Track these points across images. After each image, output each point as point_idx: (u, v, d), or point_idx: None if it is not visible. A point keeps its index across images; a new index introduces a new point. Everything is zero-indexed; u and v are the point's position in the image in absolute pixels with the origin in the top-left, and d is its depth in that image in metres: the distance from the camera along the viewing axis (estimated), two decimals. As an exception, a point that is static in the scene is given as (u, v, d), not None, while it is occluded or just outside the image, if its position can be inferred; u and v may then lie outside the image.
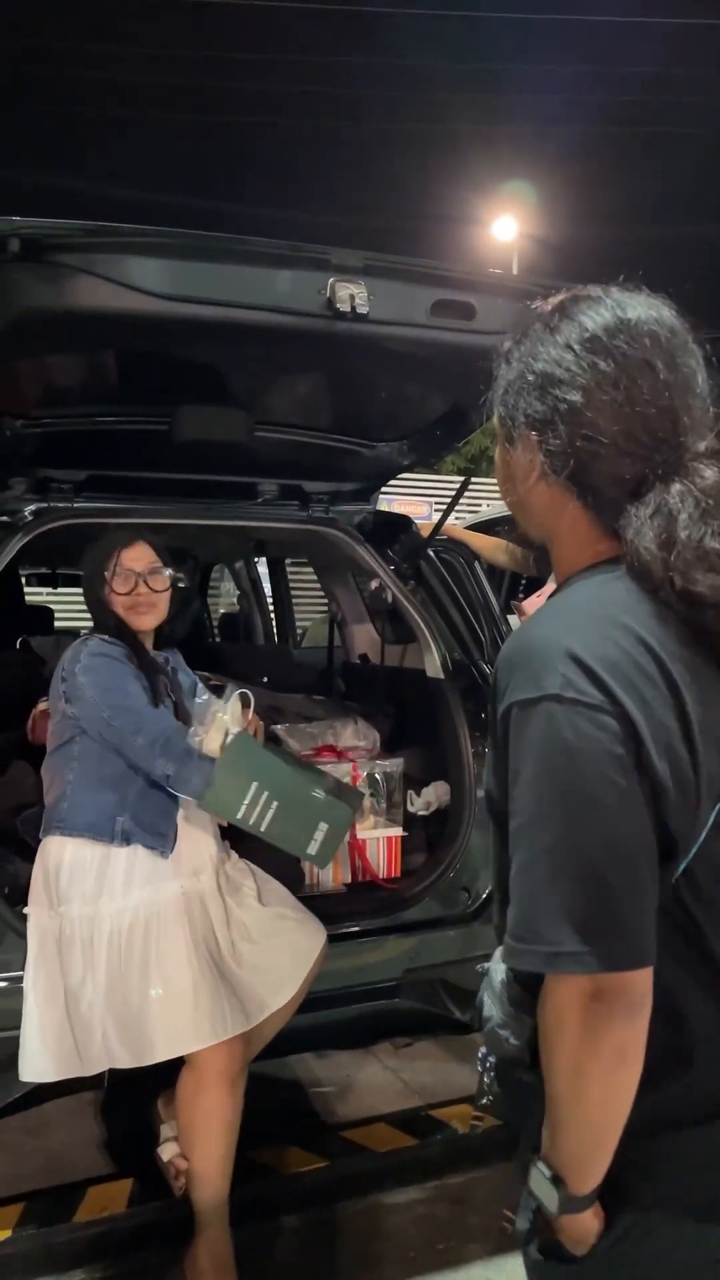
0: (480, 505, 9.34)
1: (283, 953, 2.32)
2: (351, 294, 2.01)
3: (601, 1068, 1.02)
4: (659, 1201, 1.11)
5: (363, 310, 2.03)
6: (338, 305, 2.02)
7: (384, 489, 3.64)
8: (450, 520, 3.38)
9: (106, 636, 2.38)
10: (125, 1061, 2.15)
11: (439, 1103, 3.10)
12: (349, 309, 2.02)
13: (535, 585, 4.55)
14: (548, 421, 1.10)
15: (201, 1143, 2.27)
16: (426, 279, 2.10)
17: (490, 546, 4.01)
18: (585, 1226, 1.10)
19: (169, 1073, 2.26)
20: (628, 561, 1.07)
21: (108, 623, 2.42)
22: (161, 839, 2.25)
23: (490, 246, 20.26)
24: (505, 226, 20.35)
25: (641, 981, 1.01)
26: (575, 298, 1.15)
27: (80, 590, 2.53)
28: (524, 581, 5.67)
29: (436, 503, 11.23)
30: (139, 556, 2.42)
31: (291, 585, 5.66)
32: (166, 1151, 2.41)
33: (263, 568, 5.59)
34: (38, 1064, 2.15)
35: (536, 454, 1.12)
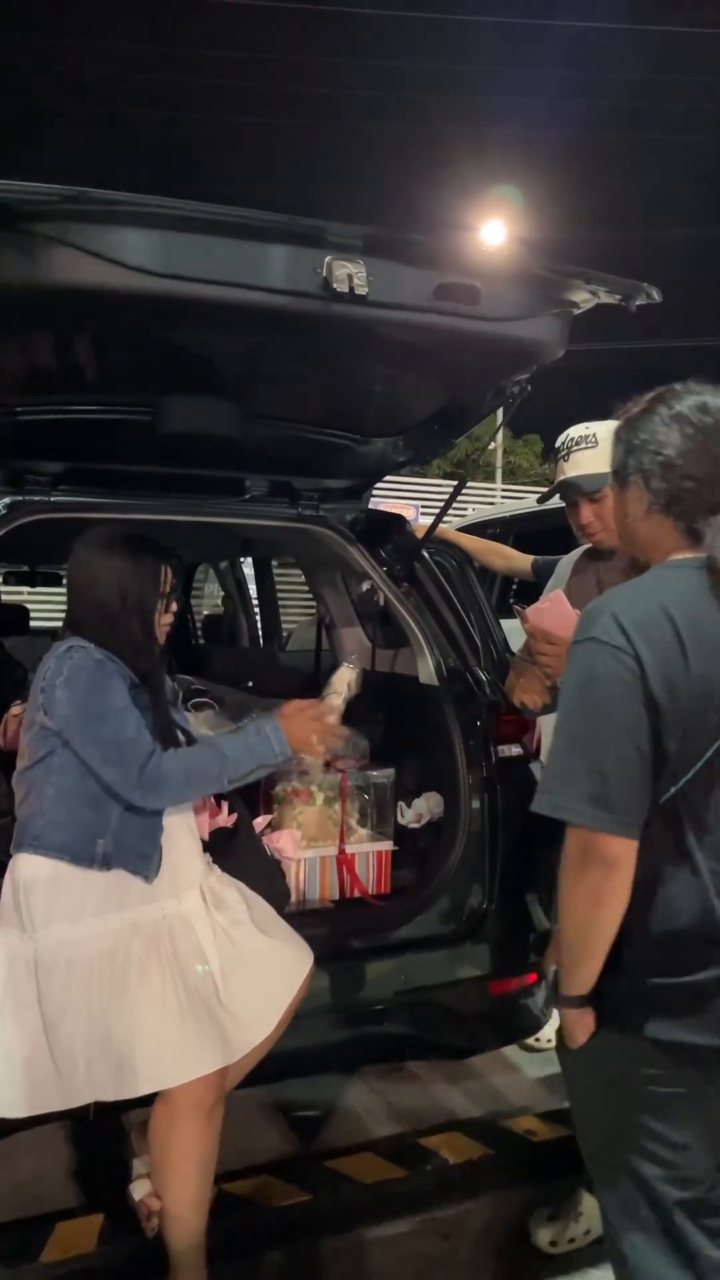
0: (467, 510, 9.24)
1: (268, 980, 2.18)
2: (350, 273, 1.87)
3: (580, 903, 1.53)
4: (630, 1025, 1.58)
5: (361, 291, 1.89)
6: (335, 285, 1.87)
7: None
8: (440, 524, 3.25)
9: (97, 648, 2.14)
10: (109, 1094, 2.01)
11: (427, 1129, 2.97)
12: (347, 289, 1.88)
13: (526, 589, 4.43)
14: (653, 473, 1.58)
15: (175, 1180, 2.13)
16: (431, 259, 1.96)
17: (483, 549, 3.88)
18: (574, 1023, 1.63)
19: (150, 1099, 2.12)
20: (705, 559, 1.53)
21: (142, 646, 2.19)
22: (144, 861, 2.09)
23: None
24: (495, 230, 20.27)
25: (616, 846, 1.48)
26: (664, 392, 1.61)
27: (60, 589, 2.35)
28: (515, 586, 5.56)
29: (424, 505, 11.12)
30: (168, 570, 2.26)
31: (276, 587, 5.51)
32: (138, 1190, 2.26)
33: (248, 568, 5.44)
34: (5, 1097, 2.00)
35: (645, 494, 1.60)
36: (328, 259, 1.87)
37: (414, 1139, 2.91)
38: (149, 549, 2.23)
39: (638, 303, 2.12)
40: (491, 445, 20.82)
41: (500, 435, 20.28)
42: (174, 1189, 2.13)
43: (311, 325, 1.99)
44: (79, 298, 1.84)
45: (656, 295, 2.11)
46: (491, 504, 11.50)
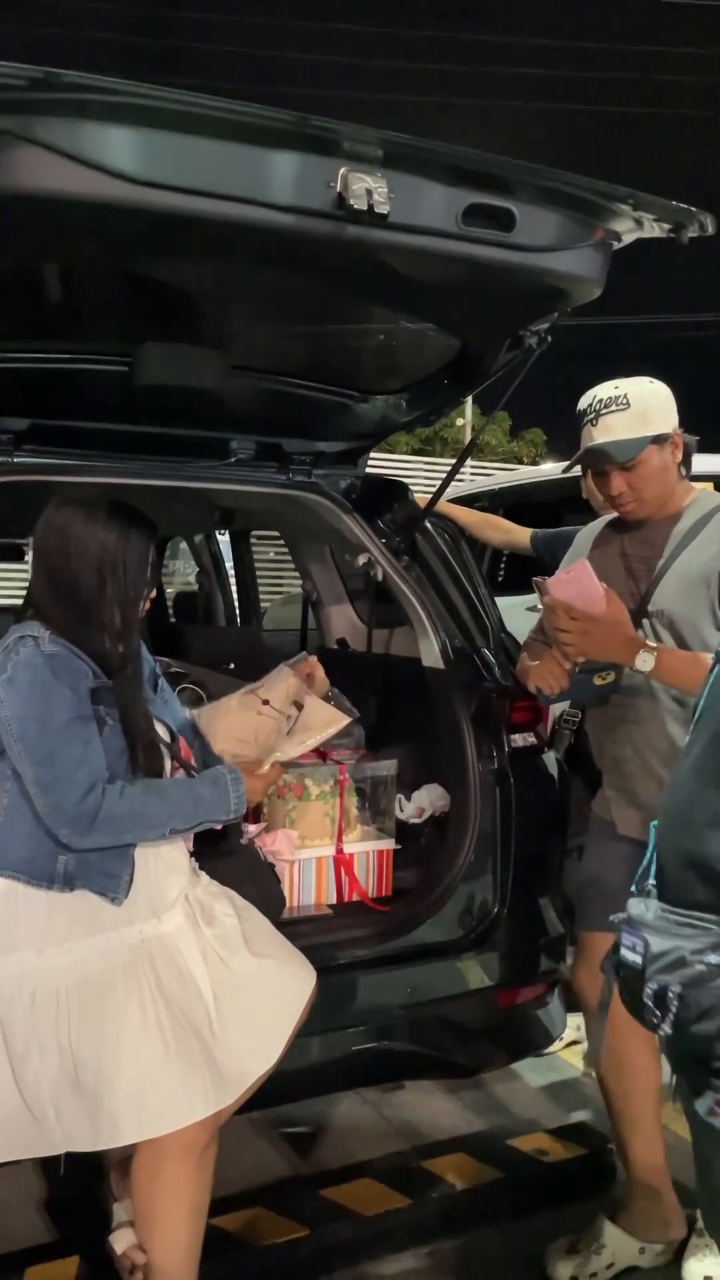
0: (431, 486, 8.95)
1: (267, 1006, 1.91)
2: (369, 188, 1.59)
3: None
4: None
5: (382, 210, 1.60)
6: (351, 202, 1.59)
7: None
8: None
9: (53, 639, 1.81)
10: (83, 1144, 1.75)
11: (430, 1148, 2.74)
12: (365, 207, 1.59)
13: (517, 563, 4.19)
14: None
15: (163, 1231, 1.87)
16: (461, 175, 1.68)
17: (478, 522, 3.64)
18: None
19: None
20: None
21: (119, 638, 1.87)
22: (113, 881, 1.80)
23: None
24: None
25: None
26: None
27: (20, 565, 2.02)
28: (504, 559, 5.32)
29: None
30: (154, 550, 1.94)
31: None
32: (120, 1241, 2.01)
33: (222, 540, 5.13)
34: None
35: None
36: (343, 170, 1.58)
37: (417, 1162, 2.68)
38: (140, 523, 1.90)
39: (691, 234, 1.86)
40: (460, 421, 20.61)
41: (470, 411, 20.08)
42: (162, 1240, 1.88)
43: (320, 251, 1.71)
44: (42, 210, 1.53)
45: (712, 225, 1.85)
46: (460, 480, 11.26)
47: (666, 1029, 1.33)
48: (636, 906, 1.43)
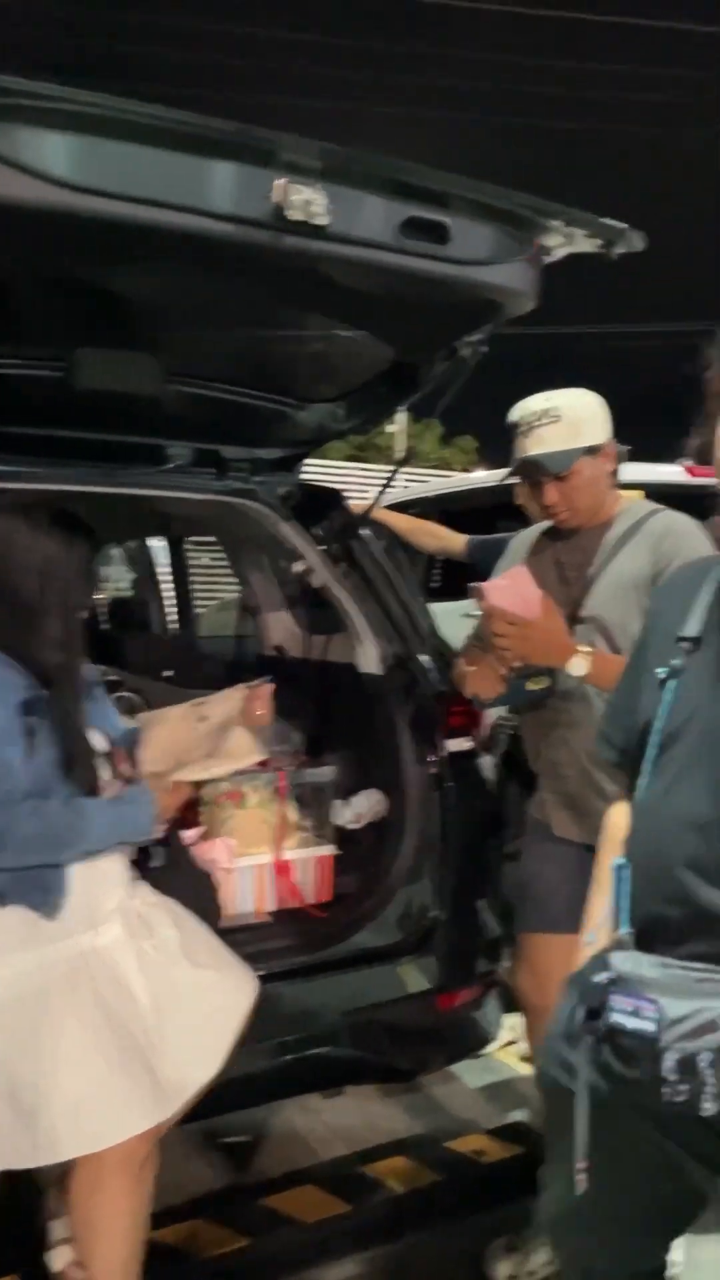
0: (366, 492, 8.98)
1: (207, 1015, 1.90)
2: (307, 199, 1.60)
3: None
4: None
5: (320, 222, 1.62)
6: (289, 214, 1.60)
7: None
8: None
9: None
10: (22, 1161, 1.72)
11: (369, 1153, 2.75)
12: (303, 218, 1.61)
13: (452, 569, 4.23)
14: None
15: (102, 1246, 1.85)
16: (399, 188, 1.70)
17: (414, 529, 3.67)
18: None
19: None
20: None
21: (58, 649, 1.84)
22: (43, 893, 1.77)
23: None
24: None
25: None
26: None
27: None
28: (439, 566, 5.36)
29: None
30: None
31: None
32: (58, 1259, 1.97)
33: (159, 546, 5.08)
34: None
35: None
36: (282, 181, 1.59)
37: (357, 1167, 2.68)
38: (81, 531, 1.88)
39: (619, 250, 1.90)
40: (392, 428, 20.73)
41: (403, 419, 20.20)
42: (101, 1255, 1.86)
43: (258, 260, 1.71)
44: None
45: (640, 242, 1.90)
46: (393, 487, 11.32)
47: (710, 1106, 1.13)
48: (625, 963, 1.23)
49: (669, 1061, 1.14)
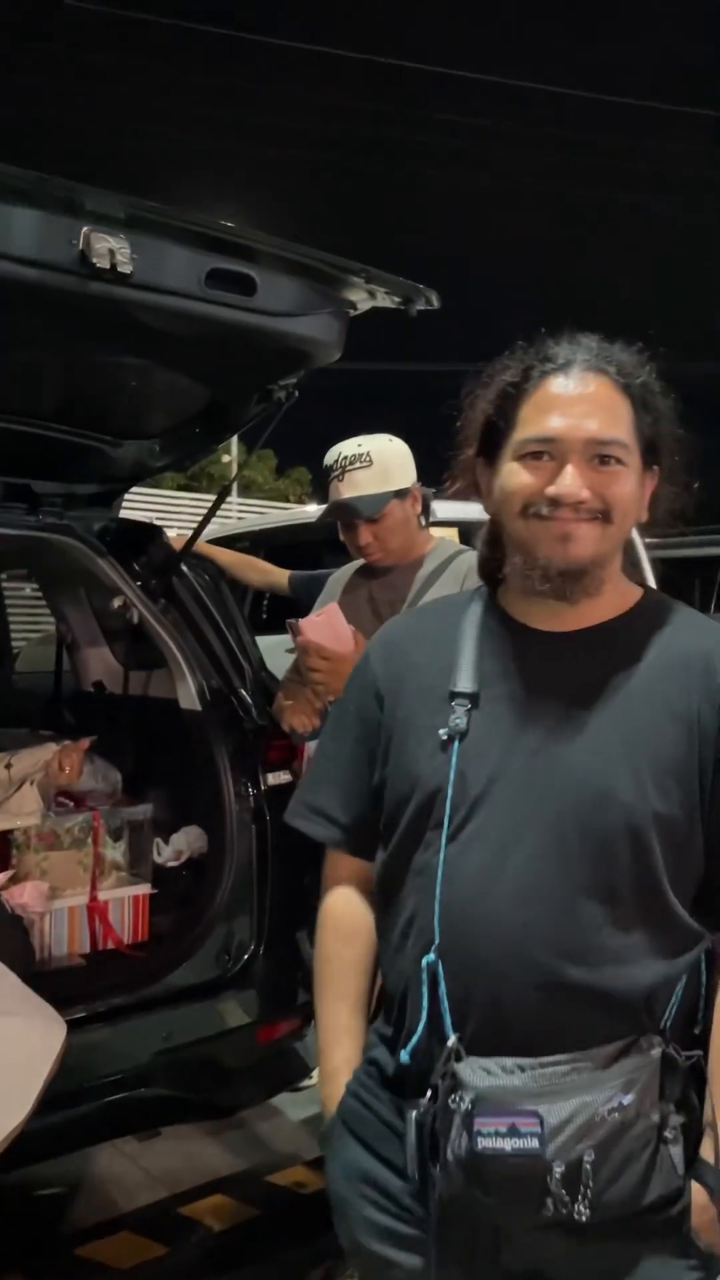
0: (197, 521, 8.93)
1: (12, 1063, 1.86)
2: (111, 248, 1.64)
3: None
4: None
5: (124, 270, 1.66)
6: (94, 260, 1.63)
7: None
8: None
9: None
10: None
11: (188, 1191, 2.72)
12: (107, 266, 1.64)
13: (280, 604, 4.28)
14: None
15: None
16: (203, 241, 1.76)
17: (238, 563, 3.71)
18: None
19: None
20: None
21: None
22: None
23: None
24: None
25: None
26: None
27: None
28: (266, 602, 5.40)
29: (159, 518, 10.70)
30: None
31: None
32: None
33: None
34: None
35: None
36: (85, 229, 1.63)
37: (174, 1208, 2.65)
38: None
39: (418, 307, 2.02)
40: (226, 458, 20.73)
41: (235, 449, 20.22)
42: None
43: (63, 305, 1.73)
44: None
45: (436, 301, 2.02)
46: (227, 519, 11.35)
47: (584, 1210, 1.01)
48: (476, 1075, 1.05)
49: (555, 1176, 1.00)
